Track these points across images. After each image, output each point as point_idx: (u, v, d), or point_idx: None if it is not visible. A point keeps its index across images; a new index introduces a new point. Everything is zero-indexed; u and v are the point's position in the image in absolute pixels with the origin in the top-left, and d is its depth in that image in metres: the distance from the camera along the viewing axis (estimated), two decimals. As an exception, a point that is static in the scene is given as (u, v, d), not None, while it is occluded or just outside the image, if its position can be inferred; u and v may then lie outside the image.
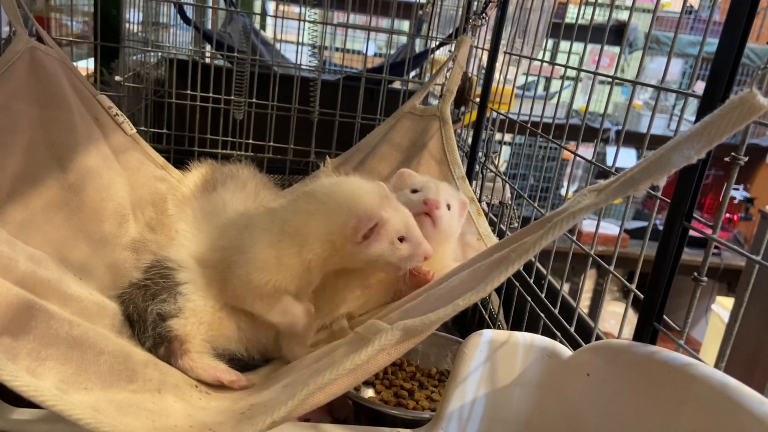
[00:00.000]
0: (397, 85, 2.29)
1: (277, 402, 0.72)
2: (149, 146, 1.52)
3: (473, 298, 0.61)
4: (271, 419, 0.62)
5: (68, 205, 1.16)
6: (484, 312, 1.37)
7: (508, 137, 1.51)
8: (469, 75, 1.69)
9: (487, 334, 0.85)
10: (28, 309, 0.73)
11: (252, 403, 0.81)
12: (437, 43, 2.05)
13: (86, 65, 2.08)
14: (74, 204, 1.17)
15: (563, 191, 4.25)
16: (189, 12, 2.17)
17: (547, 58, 1.31)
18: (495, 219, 1.54)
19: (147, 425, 0.70)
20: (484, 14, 1.50)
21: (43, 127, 1.19)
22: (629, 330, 0.83)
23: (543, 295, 1.12)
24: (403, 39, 2.68)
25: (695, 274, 0.72)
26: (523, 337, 0.85)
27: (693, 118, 0.72)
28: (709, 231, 0.72)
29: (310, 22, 2.01)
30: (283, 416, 0.62)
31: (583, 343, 0.91)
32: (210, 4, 2.41)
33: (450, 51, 1.71)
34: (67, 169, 1.19)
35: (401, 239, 1.03)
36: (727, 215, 4.56)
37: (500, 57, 1.48)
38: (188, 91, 1.80)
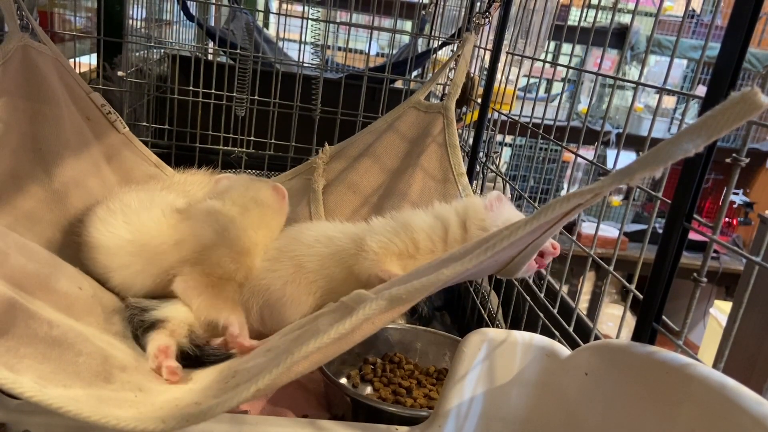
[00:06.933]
0: (399, 84, 2.30)
1: (261, 368, 0.71)
2: (142, 144, 1.51)
3: (458, 268, 0.60)
4: (255, 387, 0.61)
5: (51, 213, 1.15)
6: (483, 311, 1.38)
7: (509, 138, 1.50)
8: (471, 75, 1.70)
9: (485, 333, 0.85)
10: (10, 308, 0.73)
11: (236, 369, 0.81)
12: (440, 42, 2.05)
13: (89, 60, 2.09)
14: (57, 212, 1.16)
15: (563, 193, 4.25)
16: (192, 8, 2.17)
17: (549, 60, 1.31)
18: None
19: (131, 411, 0.69)
20: (487, 13, 1.51)
21: (31, 128, 1.17)
22: (627, 332, 0.83)
23: (542, 295, 1.13)
24: (406, 38, 2.68)
25: (695, 274, 0.73)
26: (522, 336, 0.85)
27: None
28: (709, 232, 0.72)
29: (313, 20, 2.01)
30: (268, 384, 0.61)
31: (581, 343, 0.92)
32: (213, 0, 2.41)
33: (452, 51, 1.71)
34: (52, 174, 1.17)
35: None
36: (727, 219, 4.57)
37: (503, 57, 1.48)
38: (190, 88, 1.80)
